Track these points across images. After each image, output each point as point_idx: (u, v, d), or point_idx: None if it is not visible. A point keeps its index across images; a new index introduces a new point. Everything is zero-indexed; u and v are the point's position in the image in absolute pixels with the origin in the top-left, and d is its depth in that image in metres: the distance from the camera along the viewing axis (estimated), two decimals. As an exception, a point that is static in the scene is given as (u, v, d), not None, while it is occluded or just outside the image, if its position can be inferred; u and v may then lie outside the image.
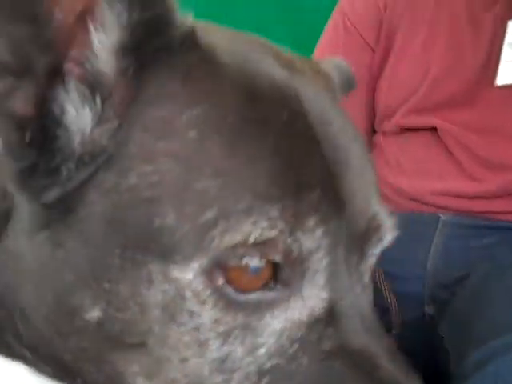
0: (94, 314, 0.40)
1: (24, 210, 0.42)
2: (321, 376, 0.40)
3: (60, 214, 0.41)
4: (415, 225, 1.23)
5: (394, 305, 1.14)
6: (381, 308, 1.21)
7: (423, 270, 1.19)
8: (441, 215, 1.24)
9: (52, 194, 0.40)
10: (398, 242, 1.12)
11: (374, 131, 1.41)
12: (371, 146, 1.40)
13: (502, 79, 1.20)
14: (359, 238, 0.44)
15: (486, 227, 1.20)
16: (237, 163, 0.39)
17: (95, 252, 0.40)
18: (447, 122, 1.24)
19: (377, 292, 1.17)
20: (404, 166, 1.31)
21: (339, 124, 0.44)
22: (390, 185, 1.31)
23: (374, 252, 0.46)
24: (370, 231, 0.45)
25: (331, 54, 1.32)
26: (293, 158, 0.40)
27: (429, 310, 1.20)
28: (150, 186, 0.39)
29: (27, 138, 0.39)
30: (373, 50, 1.33)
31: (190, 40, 0.42)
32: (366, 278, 0.46)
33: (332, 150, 0.42)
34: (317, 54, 1.40)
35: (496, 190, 1.20)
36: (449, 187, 1.24)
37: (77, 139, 0.40)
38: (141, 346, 0.40)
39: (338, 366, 0.40)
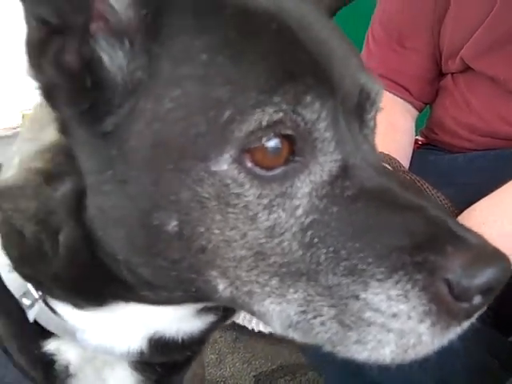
0: (172, 223, 0.50)
1: (90, 165, 0.52)
2: (350, 217, 0.49)
3: (117, 147, 0.50)
4: (493, 159, 1.26)
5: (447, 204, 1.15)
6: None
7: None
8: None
9: (109, 122, 0.50)
10: (477, 176, 1.16)
11: (441, 75, 1.44)
12: (439, 88, 1.44)
13: None
14: (356, 108, 0.54)
15: None
16: (240, 70, 0.49)
17: (155, 175, 0.50)
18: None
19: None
20: (473, 105, 1.33)
21: (319, 26, 0.54)
22: (461, 124, 1.35)
23: (371, 116, 0.56)
24: (362, 100, 0.55)
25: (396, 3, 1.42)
26: (284, 57, 0.50)
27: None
28: (182, 106, 0.49)
29: (88, 83, 0.49)
30: None
31: None
32: (371, 138, 0.57)
33: (315, 46, 0.52)
34: (383, 5, 1.47)
35: None
36: None
37: (118, 76, 0.50)
38: (209, 245, 0.50)
39: (361, 205, 0.50)
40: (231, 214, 0.49)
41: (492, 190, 1.03)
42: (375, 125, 0.58)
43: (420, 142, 1.51)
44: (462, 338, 1.14)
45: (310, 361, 1.43)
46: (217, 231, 0.49)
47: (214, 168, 0.48)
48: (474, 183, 1.06)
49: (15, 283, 0.61)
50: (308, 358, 1.42)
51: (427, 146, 1.49)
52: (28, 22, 0.48)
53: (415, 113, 1.50)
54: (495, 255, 0.49)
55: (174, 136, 0.49)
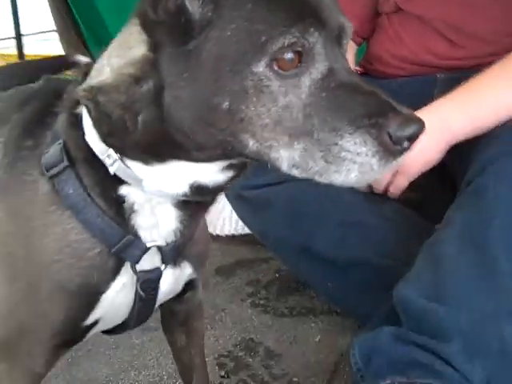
0: (225, 103, 0.74)
1: (171, 70, 0.77)
2: (333, 99, 0.74)
3: (194, 58, 0.74)
4: (420, 84, 1.57)
5: None
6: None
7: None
8: (437, 74, 1.58)
9: (191, 44, 0.74)
10: (408, 99, 1.46)
11: (377, 14, 1.73)
12: (375, 26, 1.73)
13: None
14: (336, 37, 0.78)
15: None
16: (271, 14, 0.73)
17: (217, 75, 0.74)
18: (436, 2, 1.55)
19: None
20: (405, 40, 1.63)
21: None
22: (395, 56, 1.65)
23: (345, 42, 0.81)
24: (340, 32, 0.79)
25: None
26: (297, 7, 0.74)
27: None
28: (236, 34, 0.73)
29: (182, 20, 0.75)
30: None
31: None
32: (344, 55, 0.82)
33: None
34: None
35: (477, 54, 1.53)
36: (441, 52, 1.57)
37: (197, 16, 0.74)
38: (246, 117, 0.74)
39: (340, 92, 0.75)
40: (262, 97, 0.73)
41: None
42: (347, 48, 0.85)
43: (358, 72, 1.81)
44: (399, 225, 1.49)
45: (268, 246, 1.70)
46: (252, 108, 0.74)
47: (254, 69, 0.72)
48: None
49: (102, 149, 0.84)
50: (266, 245, 1.69)
51: (365, 75, 1.78)
52: None
53: (355, 47, 1.79)
54: (416, 119, 0.75)
55: (230, 51, 0.73)
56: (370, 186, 1.48)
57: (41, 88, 0.99)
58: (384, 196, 1.51)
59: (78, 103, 0.86)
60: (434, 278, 1.11)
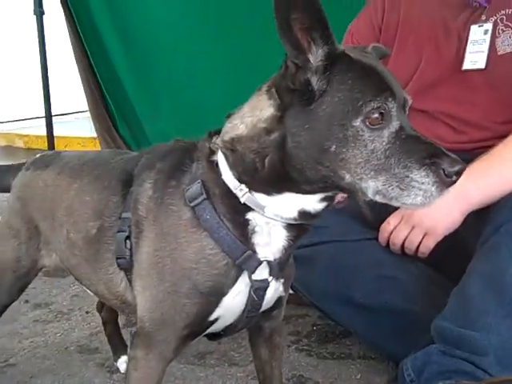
0: (333, 147, 1.00)
1: (295, 123, 1.03)
2: (404, 145, 1.00)
3: (313, 114, 1.01)
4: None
5: None
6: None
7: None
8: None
9: (313, 105, 1.01)
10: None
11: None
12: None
13: (466, 65, 1.87)
14: (402, 105, 1.04)
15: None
16: (365, 88, 1.00)
17: (329, 126, 1.00)
18: (437, 99, 1.91)
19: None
20: (416, 128, 1.97)
21: (384, 69, 1.06)
22: None
23: (407, 109, 1.07)
24: (404, 102, 1.06)
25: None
26: (381, 83, 1.01)
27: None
28: (342, 100, 0.99)
29: (309, 89, 1.01)
30: None
31: (345, 53, 1.04)
32: (407, 117, 1.07)
33: (388, 79, 1.03)
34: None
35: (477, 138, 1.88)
36: (446, 137, 1.89)
37: (316, 86, 1.01)
38: (346, 157, 1.00)
39: (409, 141, 1.01)
40: (357, 143, 0.99)
41: None
42: (408, 113, 1.08)
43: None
44: (422, 278, 1.78)
45: (311, 297, 1.94)
46: (350, 150, 0.99)
47: (354, 124, 0.98)
48: None
49: (235, 185, 1.10)
50: (309, 296, 1.94)
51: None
52: (288, 63, 1.02)
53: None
54: (460, 161, 1.00)
55: (338, 111, 0.99)
56: (402, 248, 1.79)
57: (174, 146, 1.30)
58: (408, 256, 1.82)
59: (212, 153, 1.17)
60: (465, 312, 1.41)
